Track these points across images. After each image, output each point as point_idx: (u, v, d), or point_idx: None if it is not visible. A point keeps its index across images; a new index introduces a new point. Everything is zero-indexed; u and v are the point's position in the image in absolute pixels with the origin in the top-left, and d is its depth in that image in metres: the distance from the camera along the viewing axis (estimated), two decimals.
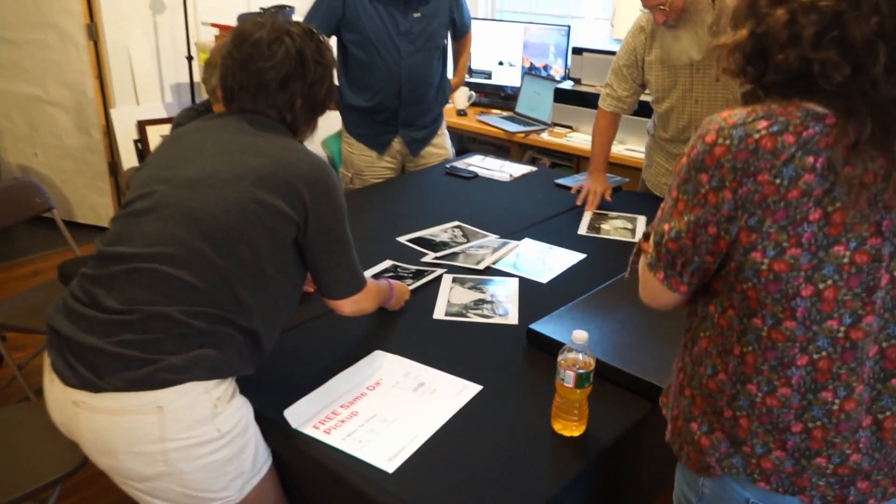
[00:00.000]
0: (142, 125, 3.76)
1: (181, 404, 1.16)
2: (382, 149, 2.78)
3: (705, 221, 0.91)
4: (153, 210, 1.23)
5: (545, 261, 1.99)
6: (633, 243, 2.14)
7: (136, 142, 3.77)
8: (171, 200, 1.23)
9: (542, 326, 1.55)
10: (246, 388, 1.32)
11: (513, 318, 1.67)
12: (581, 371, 1.22)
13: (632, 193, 2.65)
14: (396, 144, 2.80)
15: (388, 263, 1.99)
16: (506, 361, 1.51)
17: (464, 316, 1.67)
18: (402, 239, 2.13)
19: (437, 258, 1.99)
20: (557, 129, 3.54)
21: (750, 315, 0.93)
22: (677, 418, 1.08)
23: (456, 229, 2.22)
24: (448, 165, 2.84)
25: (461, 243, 2.10)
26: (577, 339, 1.24)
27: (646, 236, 1.07)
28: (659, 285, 1.01)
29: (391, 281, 1.64)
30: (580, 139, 3.41)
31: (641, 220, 2.31)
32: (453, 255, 2.00)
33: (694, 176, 0.91)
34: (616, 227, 2.24)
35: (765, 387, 0.94)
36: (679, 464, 1.11)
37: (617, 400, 1.38)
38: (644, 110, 2.50)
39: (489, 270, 1.92)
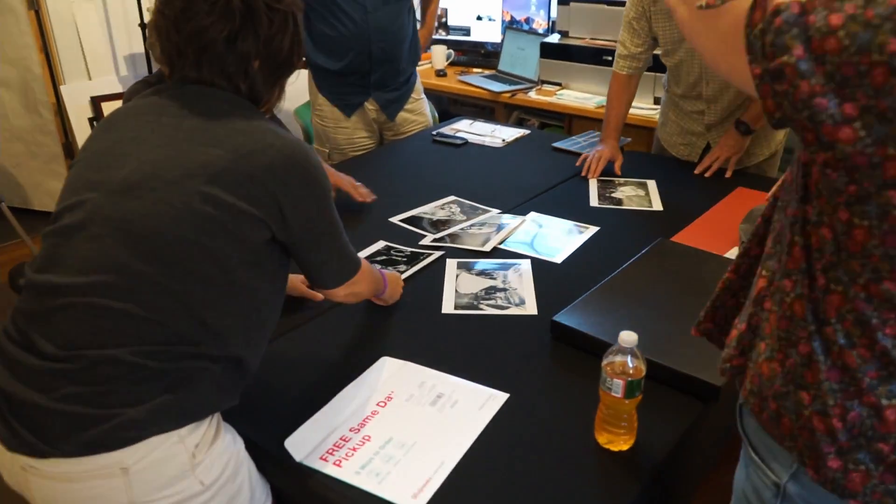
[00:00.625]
0: (96, 102, 3.47)
1: (151, 461, 0.96)
2: (351, 110, 2.54)
3: None
4: (84, 226, 0.99)
5: (556, 237, 1.80)
6: (651, 211, 1.96)
7: (91, 120, 3.48)
8: (105, 213, 0.99)
9: (568, 318, 1.37)
10: (234, 416, 1.13)
11: (531, 308, 1.48)
12: (631, 379, 1.05)
13: (641, 155, 2.46)
14: (371, 109, 2.56)
15: (380, 245, 1.79)
16: (530, 360, 1.33)
17: (476, 308, 1.49)
18: (395, 219, 1.93)
19: (435, 240, 1.79)
20: (546, 87, 3.33)
21: None
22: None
23: (453, 205, 2.01)
24: (435, 132, 2.62)
25: (460, 221, 1.90)
26: (625, 341, 1.06)
27: None
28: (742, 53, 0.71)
29: (382, 271, 1.44)
30: (571, 97, 3.20)
31: (652, 185, 2.12)
32: (454, 236, 1.81)
33: None
34: (628, 196, 2.06)
35: None
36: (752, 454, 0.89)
37: (664, 402, 1.21)
38: (653, 65, 2.30)
39: (496, 252, 1.73)
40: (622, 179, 2.17)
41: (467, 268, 1.65)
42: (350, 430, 1.15)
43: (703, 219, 1.88)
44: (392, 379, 1.27)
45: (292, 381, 1.27)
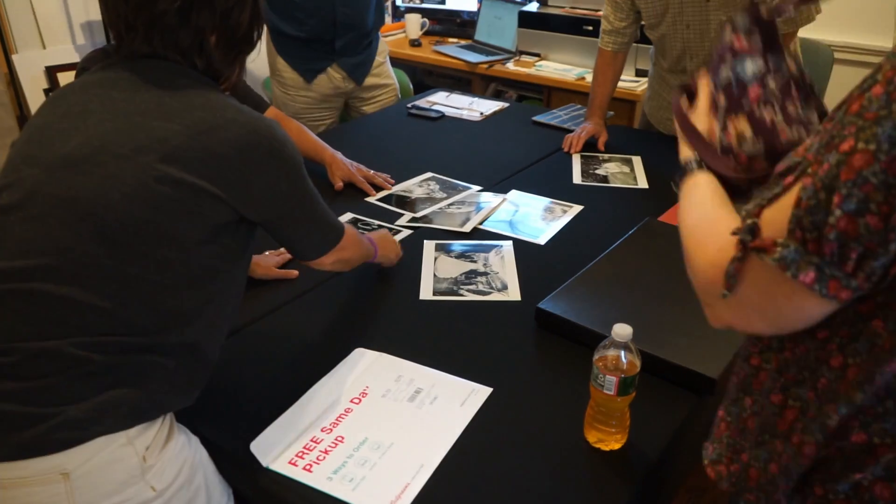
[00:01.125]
0: (51, 72, 3.28)
1: (95, 465, 0.87)
2: (313, 76, 2.41)
3: None
4: (22, 205, 0.90)
5: (539, 216, 1.72)
6: (636, 189, 1.88)
7: (46, 91, 3.30)
8: (46, 190, 0.90)
9: (553, 305, 1.29)
10: (193, 416, 1.04)
11: (514, 293, 1.40)
12: (625, 376, 0.97)
13: (626, 129, 2.38)
14: (336, 77, 2.43)
15: (347, 217, 1.71)
16: (514, 350, 1.25)
17: (456, 294, 1.40)
18: (372, 199, 1.83)
19: (414, 220, 1.70)
20: (524, 58, 3.22)
21: None
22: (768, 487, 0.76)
23: (431, 182, 1.92)
24: (409, 105, 2.51)
25: (440, 199, 1.81)
26: (619, 334, 0.98)
27: (751, 219, 0.64)
28: (801, 292, 0.60)
29: (367, 234, 1.37)
30: (550, 68, 3.10)
31: (637, 161, 2.04)
32: (430, 216, 1.72)
33: None
34: (613, 173, 1.98)
35: None
36: None
37: (655, 394, 1.14)
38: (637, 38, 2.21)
39: (475, 233, 1.64)
40: (606, 155, 2.09)
41: (445, 250, 1.56)
42: (322, 431, 1.06)
43: None
44: (367, 373, 1.18)
45: (258, 376, 1.18)
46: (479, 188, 1.89)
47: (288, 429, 1.06)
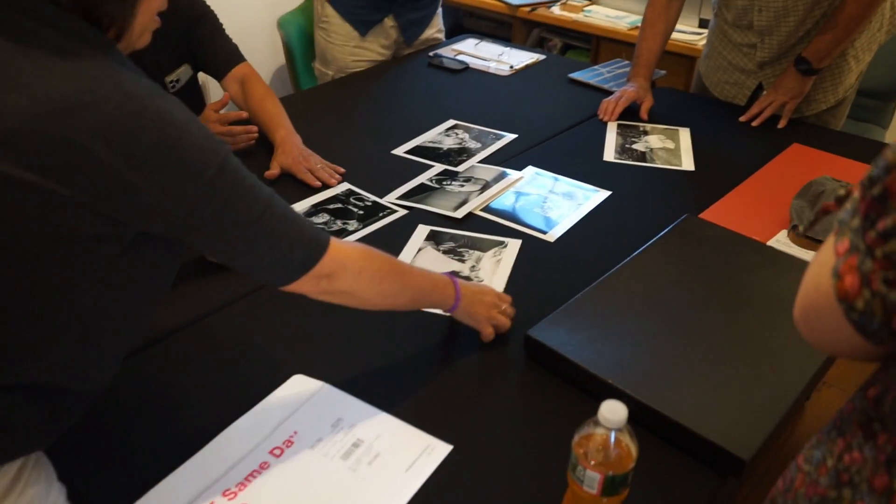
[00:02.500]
0: None
1: None
2: (367, 28, 2.12)
3: None
4: None
5: (555, 203, 1.42)
6: (679, 171, 1.55)
7: None
8: None
9: (548, 332, 1.01)
10: (60, 466, 0.82)
11: None
12: (613, 474, 0.70)
13: (676, 94, 2.02)
14: (391, 27, 2.14)
15: (342, 188, 1.47)
16: (491, 387, 0.99)
17: None
18: (399, 151, 1.61)
19: (406, 195, 1.42)
20: (572, 2, 2.84)
21: None
22: None
23: (458, 131, 1.73)
24: (431, 54, 2.20)
25: (476, 149, 1.63)
26: (608, 419, 0.71)
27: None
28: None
29: (452, 278, 1.03)
30: (602, 14, 2.72)
31: (685, 135, 1.71)
32: (429, 193, 1.44)
33: None
34: (654, 148, 1.65)
35: None
36: None
37: (662, 468, 0.87)
38: None
39: (472, 221, 1.36)
40: (649, 126, 1.76)
41: (436, 240, 1.29)
42: (224, 495, 0.83)
43: (746, 185, 1.48)
44: (299, 412, 0.94)
45: (161, 409, 0.95)
46: (514, 136, 1.67)
47: (180, 490, 0.83)
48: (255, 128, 1.58)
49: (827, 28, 1.60)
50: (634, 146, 1.66)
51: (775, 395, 0.92)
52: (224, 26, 1.68)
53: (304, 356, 1.03)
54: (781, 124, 1.76)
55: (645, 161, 1.60)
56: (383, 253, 0.93)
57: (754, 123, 1.77)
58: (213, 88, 2.12)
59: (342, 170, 1.54)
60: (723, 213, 1.37)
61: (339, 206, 1.41)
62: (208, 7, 1.67)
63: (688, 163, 1.59)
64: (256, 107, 1.60)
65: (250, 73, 1.64)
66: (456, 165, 1.57)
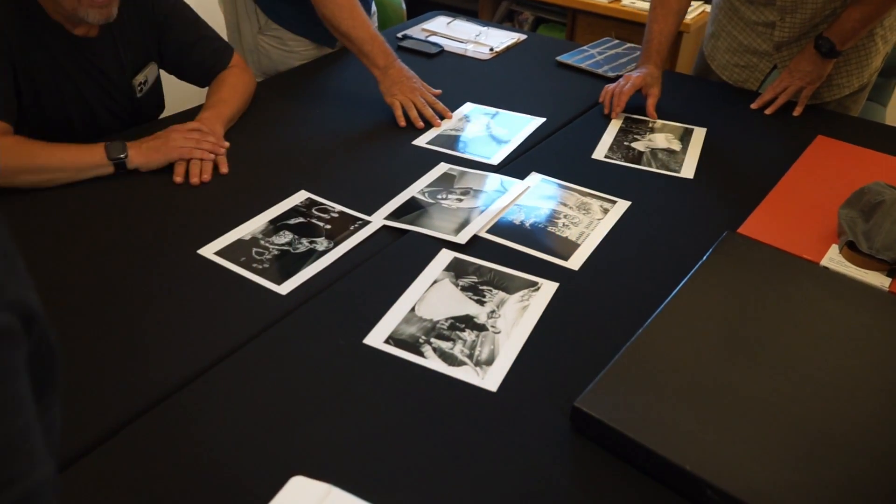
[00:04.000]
0: None
1: None
2: (335, 41, 1.83)
3: None
4: None
5: (570, 218, 1.23)
6: (673, 179, 1.36)
7: None
8: None
9: (597, 401, 0.83)
10: None
11: (493, 376, 0.90)
12: None
13: (679, 77, 1.83)
14: None
15: (300, 198, 1.26)
16: (532, 474, 0.80)
17: (415, 350, 0.94)
18: (422, 142, 1.46)
19: (394, 215, 1.21)
20: None
21: None
22: None
23: (479, 115, 1.58)
24: (400, 34, 1.96)
25: (505, 137, 1.48)
26: None
27: None
28: None
29: None
30: None
31: (699, 135, 1.51)
32: (423, 211, 1.23)
33: None
34: (656, 148, 1.46)
35: None
36: None
37: None
38: None
39: (478, 245, 1.16)
40: (660, 122, 1.56)
41: (458, 271, 1.08)
42: None
43: (779, 191, 1.31)
44: None
45: None
46: (542, 119, 1.52)
47: None
48: (225, 145, 1.36)
49: (856, 4, 1.43)
50: (634, 144, 1.46)
51: (864, 474, 0.75)
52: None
53: (302, 450, 0.81)
54: (797, 112, 1.60)
55: (640, 163, 1.40)
56: None
57: (768, 111, 1.60)
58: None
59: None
60: (762, 227, 1.19)
61: (302, 220, 1.20)
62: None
63: (688, 170, 1.38)
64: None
65: (240, 61, 1.54)
66: (489, 157, 1.40)
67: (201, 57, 1.50)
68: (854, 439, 0.79)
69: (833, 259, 1.12)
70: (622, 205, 1.27)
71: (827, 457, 0.77)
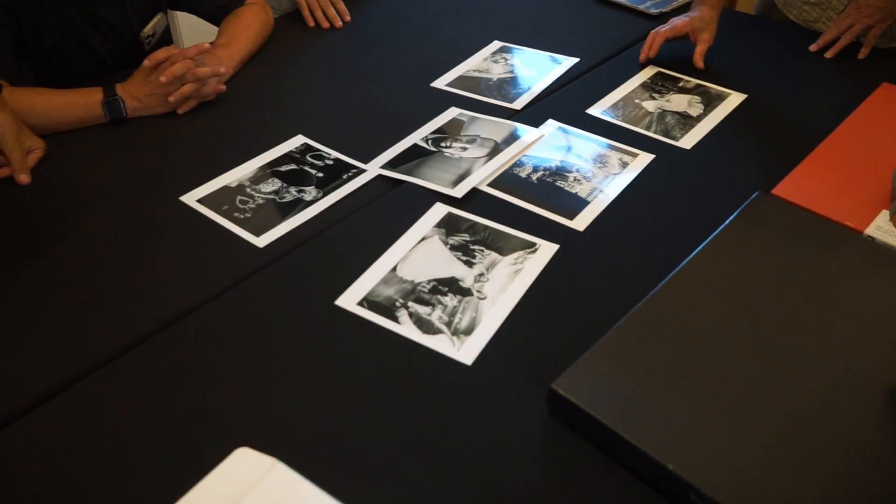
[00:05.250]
0: None
1: None
2: None
3: None
4: None
5: (584, 170, 1.11)
6: (665, 145, 1.21)
7: None
8: None
9: (579, 383, 0.73)
10: None
11: (470, 347, 0.81)
12: None
13: (735, 18, 1.63)
14: None
15: (295, 142, 1.18)
16: (503, 460, 0.72)
17: (390, 315, 0.86)
18: (441, 84, 1.34)
19: (391, 164, 1.12)
20: None
21: None
22: None
23: (505, 54, 1.45)
24: None
25: (531, 76, 1.37)
26: None
27: None
28: None
29: None
30: None
31: (731, 102, 1.29)
32: (422, 160, 1.13)
33: None
34: (667, 110, 1.26)
35: None
36: None
37: None
38: None
39: (477, 199, 1.06)
40: (693, 81, 1.36)
41: (450, 227, 0.99)
42: None
43: (826, 147, 1.15)
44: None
45: (51, 479, 0.69)
46: (575, 59, 1.41)
47: None
48: (221, 69, 1.28)
49: None
50: (645, 102, 1.29)
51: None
52: None
53: (255, 418, 0.75)
54: (862, 54, 1.41)
55: (639, 125, 1.22)
56: None
57: (828, 54, 1.42)
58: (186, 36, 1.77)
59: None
60: (801, 188, 1.05)
61: (294, 167, 1.12)
62: None
63: (689, 140, 1.19)
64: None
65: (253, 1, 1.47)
66: (512, 101, 1.28)
67: None
68: (885, 451, 0.68)
69: (881, 228, 0.97)
70: (644, 158, 1.14)
71: (844, 472, 0.66)
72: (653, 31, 1.41)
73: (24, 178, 1.09)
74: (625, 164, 1.12)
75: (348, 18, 1.58)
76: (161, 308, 0.87)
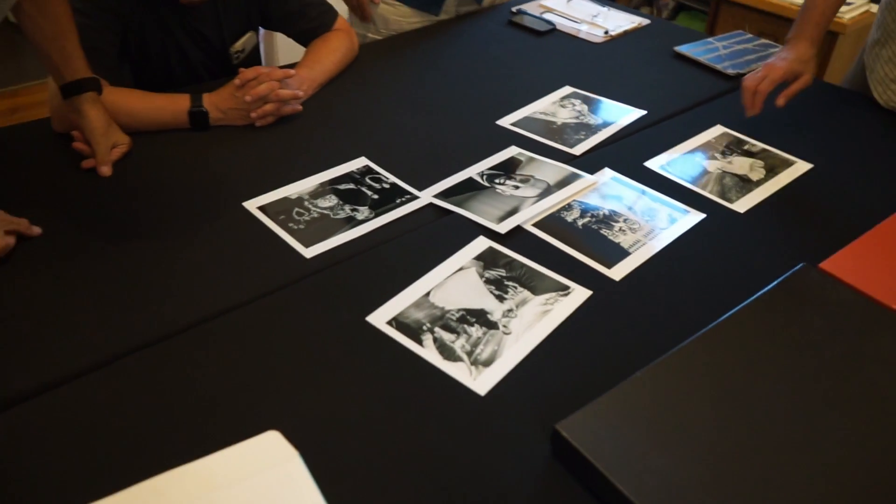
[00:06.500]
0: None
1: None
2: (438, 7, 1.82)
3: None
4: None
5: (628, 222, 1.12)
6: (727, 212, 1.19)
7: None
8: None
9: (583, 428, 0.74)
10: None
11: (484, 381, 0.83)
12: None
13: (823, 88, 1.60)
14: None
15: (359, 163, 1.24)
16: (499, 496, 0.73)
17: (416, 338, 0.89)
18: (505, 123, 1.38)
19: (443, 194, 1.16)
20: None
21: None
22: None
23: (574, 100, 1.48)
24: (514, 9, 1.88)
25: (596, 126, 1.39)
26: None
27: None
28: None
29: None
30: None
31: (794, 171, 1.26)
32: (474, 194, 1.17)
33: None
34: (726, 172, 1.25)
35: None
36: None
37: None
38: None
39: (520, 237, 1.08)
40: (760, 146, 1.33)
41: (488, 261, 1.02)
42: None
43: (887, 226, 1.13)
44: (249, 482, 0.72)
45: (100, 431, 0.74)
46: (642, 112, 1.42)
47: None
48: (300, 91, 1.36)
49: None
50: (705, 162, 1.28)
51: None
52: None
53: (297, 405, 0.80)
54: None
55: (697, 184, 1.21)
56: None
57: None
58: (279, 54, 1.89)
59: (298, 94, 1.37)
60: (853, 265, 1.03)
61: (352, 186, 1.17)
62: None
63: (744, 203, 1.18)
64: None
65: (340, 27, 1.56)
66: (572, 146, 1.31)
67: (306, 22, 1.53)
68: None
69: None
70: (694, 217, 1.14)
71: None
72: (748, 81, 1.31)
73: (105, 171, 1.18)
74: (674, 220, 1.13)
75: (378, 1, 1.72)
76: (206, 303, 0.93)
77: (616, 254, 1.05)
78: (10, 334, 0.87)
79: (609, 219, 1.12)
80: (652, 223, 1.12)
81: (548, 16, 1.85)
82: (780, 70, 1.29)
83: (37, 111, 2.36)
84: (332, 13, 1.55)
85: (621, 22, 1.84)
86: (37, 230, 1.04)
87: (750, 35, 1.78)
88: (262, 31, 1.61)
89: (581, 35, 1.77)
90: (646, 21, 1.87)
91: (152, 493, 0.71)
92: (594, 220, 1.12)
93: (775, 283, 0.94)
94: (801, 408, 0.77)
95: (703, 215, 1.14)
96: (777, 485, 0.69)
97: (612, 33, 1.78)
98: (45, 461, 0.73)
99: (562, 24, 1.82)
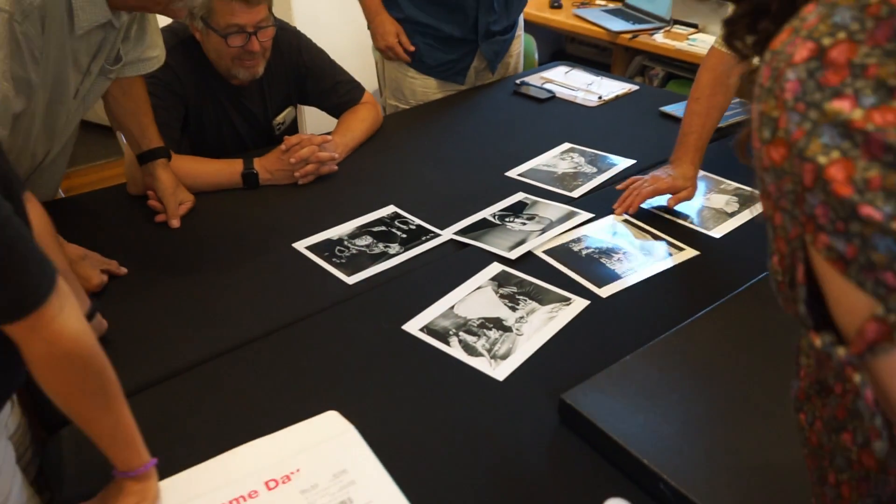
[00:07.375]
0: None
1: None
2: (463, 77, 2.10)
3: None
4: None
5: (626, 255, 1.31)
6: (704, 237, 1.38)
7: None
8: None
9: (585, 398, 0.92)
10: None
11: (502, 369, 1.02)
12: None
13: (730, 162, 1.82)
14: (475, 66, 2.10)
15: (388, 210, 1.44)
16: (518, 457, 0.90)
17: (443, 340, 1.08)
18: (513, 174, 1.60)
19: (465, 231, 1.36)
20: (677, 29, 2.70)
21: None
22: None
23: (573, 154, 1.70)
24: (518, 81, 2.13)
25: (591, 173, 1.61)
26: None
27: None
28: None
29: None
30: (708, 44, 2.55)
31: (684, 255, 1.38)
32: (488, 230, 1.37)
33: None
34: (708, 207, 1.46)
35: None
36: None
37: None
38: None
39: (529, 262, 1.27)
40: (732, 184, 1.55)
41: (501, 281, 1.22)
42: None
43: None
44: (313, 450, 0.89)
45: (174, 411, 0.92)
46: (632, 161, 1.63)
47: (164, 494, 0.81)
48: (336, 154, 1.59)
49: None
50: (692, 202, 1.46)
51: None
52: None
53: (350, 392, 0.99)
54: None
55: (679, 216, 1.42)
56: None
57: None
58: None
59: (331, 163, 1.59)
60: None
61: (384, 228, 1.38)
62: (313, 46, 1.75)
63: (719, 231, 1.37)
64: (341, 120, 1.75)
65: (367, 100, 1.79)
66: (571, 190, 1.53)
67: (338, 97, 1.77)
68: None
69: None
70: (688, 253, 1.31)
71: (789, 478, 0.81)
72: (632, 182, 1.45)
73: (174, 223, 1.40)
74: (670, 255, 1.31)
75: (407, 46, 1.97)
76: (272, 319, 1.13)
77: (608, 276, 1.24)
78: (113, 347, 1.07)
79: (610, 251, 1.31)
80: (649, 258, 1.29)
81: (548, 86, 2.10)
82: (666, 184, 1.43)
83: (88, 189, 2.62)
84: (360, 89, 1.80)
85: (613, 88, 2.08)
86: (124, 270, 1.25)
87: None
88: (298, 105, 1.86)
89: (578, 100, 2.02)
90: (635, 87, 2.11)
91: (242, 458, 0.88)
92: (597, 251, 1.31)
93: (744, 286, 1.13)
94: (765, 380, 0.94)
95: (698, 252, 1.31)
96: (744, 438, 0.86)
97: (605, 98, 2.02)
98: (168, 431, 0.92)
99: (561, 92, 2.06)
